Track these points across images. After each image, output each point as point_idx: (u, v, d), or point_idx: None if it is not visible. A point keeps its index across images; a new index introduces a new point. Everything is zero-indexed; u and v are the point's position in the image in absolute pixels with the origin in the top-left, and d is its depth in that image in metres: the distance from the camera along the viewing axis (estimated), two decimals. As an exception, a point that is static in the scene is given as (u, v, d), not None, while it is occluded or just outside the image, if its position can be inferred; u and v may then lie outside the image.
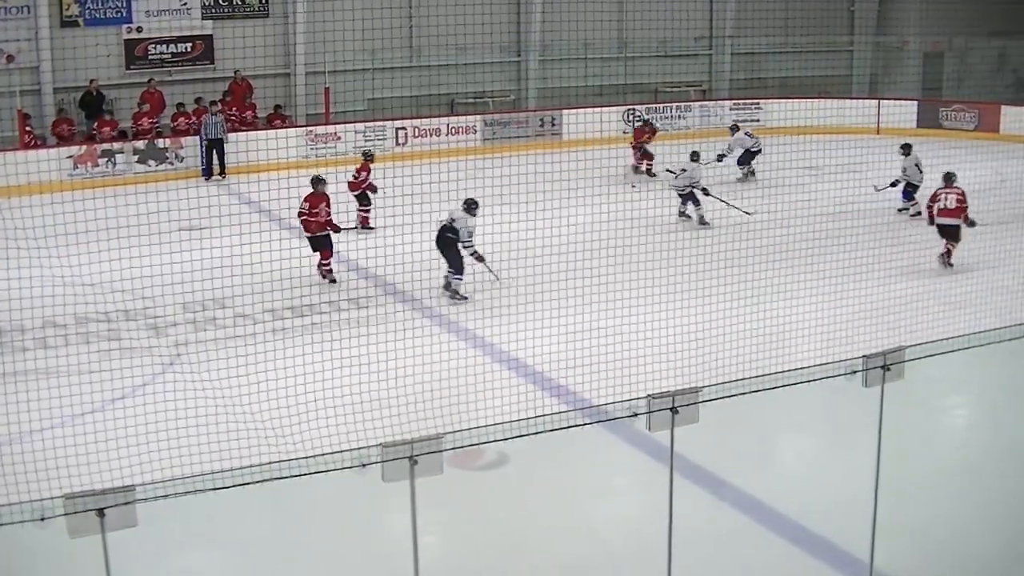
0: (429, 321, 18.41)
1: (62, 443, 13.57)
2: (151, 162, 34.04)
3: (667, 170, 28.27)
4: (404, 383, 14.80)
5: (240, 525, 11.62)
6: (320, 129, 36.20)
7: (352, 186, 26.10)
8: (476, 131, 37.23)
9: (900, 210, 27.44)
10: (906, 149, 28.10)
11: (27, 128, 34.00)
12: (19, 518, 8.69)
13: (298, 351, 16.20)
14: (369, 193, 26.01)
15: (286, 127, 36.30)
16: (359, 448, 9.32)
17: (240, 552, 11.71)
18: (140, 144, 34.27)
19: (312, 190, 21.96)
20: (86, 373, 15.91)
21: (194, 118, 35.25)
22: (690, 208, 26.34)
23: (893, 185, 27.51)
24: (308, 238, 21.78)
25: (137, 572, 10.09)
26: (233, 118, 35.96)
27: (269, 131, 35.22)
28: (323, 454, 10.69)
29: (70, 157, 33.05)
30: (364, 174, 26.18)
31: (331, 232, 21.72)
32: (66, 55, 34.57)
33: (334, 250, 21.93)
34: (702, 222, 25.86)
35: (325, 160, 33.44)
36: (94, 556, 8.62)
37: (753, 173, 31.26)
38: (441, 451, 8.99)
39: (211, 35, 37.48)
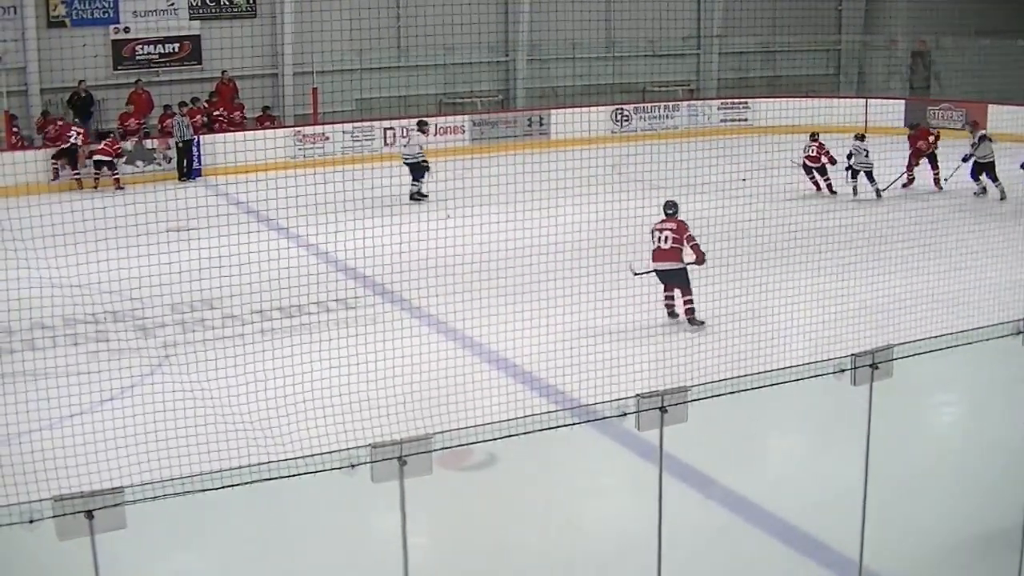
0: (418, 321, 18.40)
1: (51, 445, 13.56)
2: (139, 163, 34.03)
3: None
4: (393, 383, 14.79)
5: (229, 527, 11.60)
6: (308, 129, 36.24)
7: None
8: (464, 131, 37.28)
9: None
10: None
11: (14, 129, 33.95)
12: (8, 520, 8.68)
13: (287, 352, 16.22)
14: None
15: (274, 127, 36.27)
16: (348, 449, 9.30)
17: (229, 554, 11.70)
18: (128, 145, 34.24)
19: None
20: (74, 375, 15.88)
21: (167, 122, 35.21)
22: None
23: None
24: None
25: (126, 574, 10.07)
26: (220, 118, 35.95)
27: (257, 131, 35.22)
28: (312, 455, 10.68)
29: (55, 160, 32.97)
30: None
31: None
32: (53, 56, 34.53)
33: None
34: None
35: (313, 160, 33.47)
36: (83, 558, 8.60)
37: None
38: (430, 451, 8.99)
39: (199, 35, 37.51)
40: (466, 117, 37.94)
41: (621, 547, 11.55)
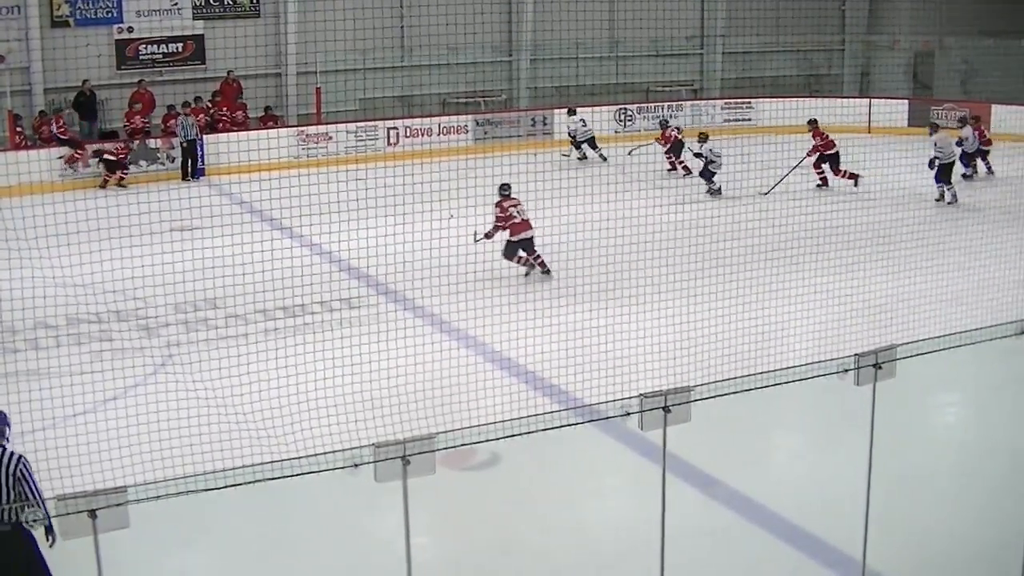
0: (421, 321, 18.39)
1: (54, 444, 13.55)
2: (142, 162, 34.01)
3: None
4: (396, 383, 14.80)
5: (233, 526, 11.63)
6: (312, 129, 36.19)
7: None
8: (468, 131, 37.22)
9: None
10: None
11: (17, 129, 33.97)
12: (13, 519, 8.70)
13: (290, 351, 16.18)
14: None
15: (278, 127, 36.27)
16: (352, 448, 9.30)
17: (232, 553, 11.72)
18: (132, 144, 34.22)
19: None
20: (78, 374, 15.87)
21: (171, 122, 35.22)
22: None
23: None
24: None
25: (129, 573, 10.09)
26: (224, 118, 35.96)
27: (261, 131, 35.20)
28: (316, 454, 10.66)
29: (61, 157, 33.00)
30: None
31: None
32: (57, 55, 34.53)
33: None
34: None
35: (317, 160, 33.43)
36: (86, 557, 8.61)
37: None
38: (434, 451, 8.99)
39: (202, 35, 37.47)
40: (469, 117, 37.90)
41: (624, 546, 11.56)
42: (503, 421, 9.65)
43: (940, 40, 42.95)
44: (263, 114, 36.94)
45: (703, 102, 41.99)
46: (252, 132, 35.04)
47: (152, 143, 34.58)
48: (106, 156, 31.81)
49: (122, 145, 32.30)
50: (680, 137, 33.61)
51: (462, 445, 10.37)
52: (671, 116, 38.73)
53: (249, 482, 9.49)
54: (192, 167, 34.17)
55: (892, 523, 11.05)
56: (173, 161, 34.39)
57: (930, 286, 18.63)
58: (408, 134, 35.95)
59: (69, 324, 18.97)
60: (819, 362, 9.98)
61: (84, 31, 36.03)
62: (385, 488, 9.15)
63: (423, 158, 30.44)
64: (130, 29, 36.96)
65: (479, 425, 10.53)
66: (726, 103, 41.40)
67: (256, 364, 15.25)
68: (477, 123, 37.37)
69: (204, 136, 34.47)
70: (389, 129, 36.38)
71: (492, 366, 16.52)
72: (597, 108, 38.15)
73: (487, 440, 10.05)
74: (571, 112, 36.21)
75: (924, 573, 11.55)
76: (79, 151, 33.20)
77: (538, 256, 21.60)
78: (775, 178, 28.25)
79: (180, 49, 37.47)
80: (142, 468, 12.29)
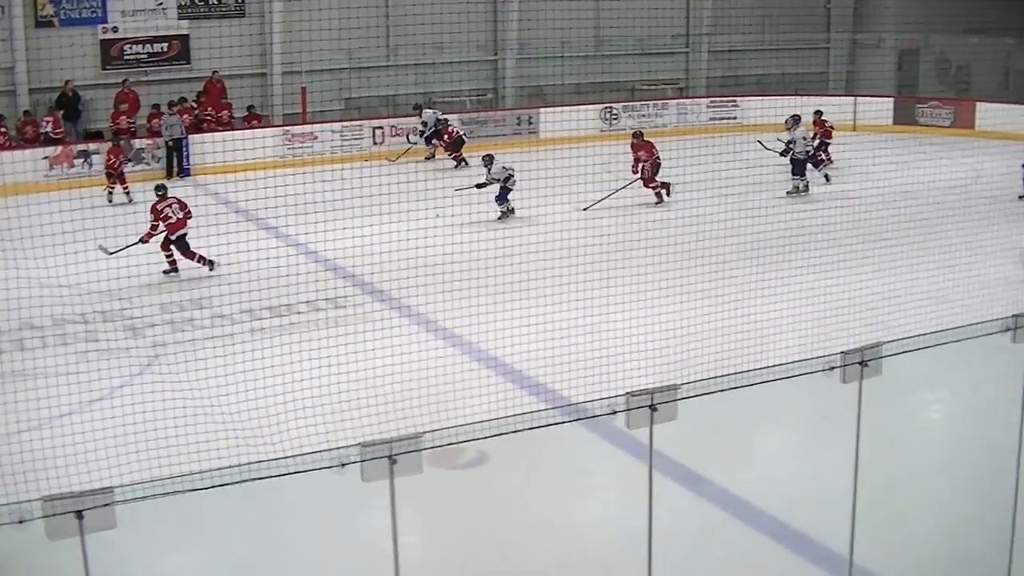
0: (407, 320, 18.40)
1: (40, 445, 13.55)
2: (128, 163, 33.94)
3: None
4: (383, 382, 14.79)
5: (220, 526, 11.61)
6: (297, 129, 36.17)
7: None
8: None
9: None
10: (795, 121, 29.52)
11: (1, 129, 33.91)
12: (-1, 521, 8.68)
13: (276, 351, 16.22)
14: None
15: (263, 127, 36.23)
16: (338, 448, 9.29)
17: (219, 553, 11.71)
18: (120, 144, 34.17)
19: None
20: (64, 375, 15.87)
21: (155, 121, 35.16)
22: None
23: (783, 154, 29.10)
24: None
25: (117, 574, 10.08)
26: (208, 117, 35.93)
27: (246, 131, 35.18)
28: (302, 454, 10.66)
29: (46, 158, 32.96)
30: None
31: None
32: (41, 55, 34.49)
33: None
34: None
35: (302, 159, 33.41)
36: (73, 558, 8.59)
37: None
38: (421, 450, 8.99)
39: (187, 35, 37.41)
40: (455, 116, 37.90)
41: (612, 545, 11.57)
42: (490, 420, 9.67)
43: (926, 38, 43.05)
44: (247, 114, 36.90)
45: (688, 101, 42.01)
46: (237, 132, 35.01)
47: (137, 143, 34.51)
48: (108, 170, 31.34)
49: (111, 148, 31.84)
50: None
51: (449, 444, 10.36)
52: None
53: (236, 482, 9.48)
54: (178, 166, 34.16)
55: (879, 520, 11.06)
56: (159, 161, 34.38)
57: (915, 283, 18.68)
58: (394, 133, 35.90)
59: (55, 325, 18.96)
60: (805, 359, 9.99)
61: (69, 31, 35.96)
62: (372, 488, 9.15)
63: (408, 157, 30.47)
64: (115, 29, 36.90)
65: (466, 424, 10.52)
66: (711, 102, 41.44)
67: (242, 364, 15.24)
68: (462, 122, 37.33)
69: (189, 136, 34.45)
70: (375, 128, 36.34)
71: (479, 365, 16.55)
72: (583, 107, 38.16)
73: (474, 439, 10.05)
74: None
75: (912, 570, 11.58)
76: (68, 150, 33.19)
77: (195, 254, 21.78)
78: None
79: (165, 49, 37.41)
80: (129, 469, 12.28)
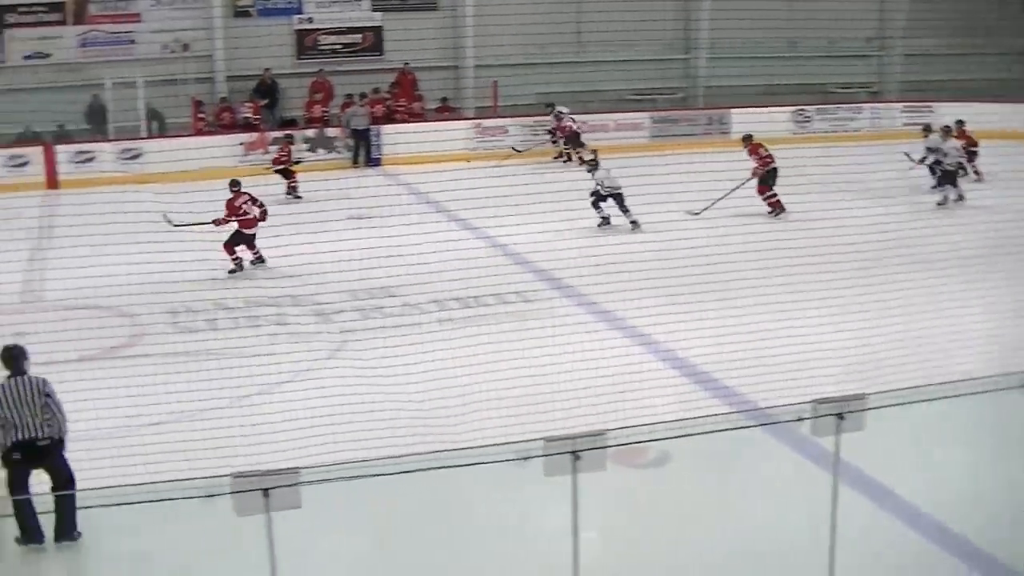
0: (595, 316, 18.31)
1: (228, 423, 13.82)
2: (320, 151, 34.54)
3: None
4: (567, 378, 14.73)
5: (400, 513, 11.72)
6: (488, 122, 36.34)
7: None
8: (644, 128, 37.07)
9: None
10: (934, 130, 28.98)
11: (200, 115, 34.72)
12: (187, 495, 8.88)
13: (463, 342, 16.23)
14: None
15: (454, 119, 36.49)
16: (522, 442, 9.34)
17: (398, 539, 11.80)
18: (310, 133, 34.79)
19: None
20: (254, 356, 16.16)
21: (347, 110, 35.64)
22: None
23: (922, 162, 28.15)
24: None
25: (299, 553, 10.22)
26: (401, 108, 36.30)
27: (437, 123, 35.45)
28: (485, 446, 10.75)
29: (241, 144, 33.65)
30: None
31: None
32: (240, 44, 35.26)
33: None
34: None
35: (491, 152, 33.58)
36: (258, 535, 8.77)
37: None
38: (605, 447, 8.99)
39: (380, 26, 37.93)
40: (646, 114, 37.78)
41: (791, 553, 11.43)
42: (675, 420, 9.64)
43: None
44: (439, 105, 37.19)
45: (882, 105, 41.31)
46: (429, 123, 35.30)
47: (330, 132, 35.05)
48: (276, 168, 31.51)
49: (283, 144, 31.86)
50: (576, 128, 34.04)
51: (633, 443, 10.37)
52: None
53: (418, 470, 9.58)
54: (364, 156, 34.57)
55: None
56: (351, 150, 34.88)
57: None
58: (583, 129, 35.90)
59: (247, 307, 19.32)
60: (996, 376, 9.81)
61: (265, 21, 36.77)
62: (554, 483, 9.18)
63: (598, 154, 30.33)
64: (310, 20, 37.62)
65: (651, 424, 10.50)
66: (906, 106, 40.63)
67: (429, 354, 15.35)
68: (653, 120, 37.20)
69: (381, 127, 34.85)
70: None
71: (665, 365, 16.43)
72: (774, 109, 37.75)
73: (658, 439, 10.04)
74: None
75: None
76: (264, 137, 33.86)
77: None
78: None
79: (359, 40, 37.96)
80: (315, 451, 12.46)
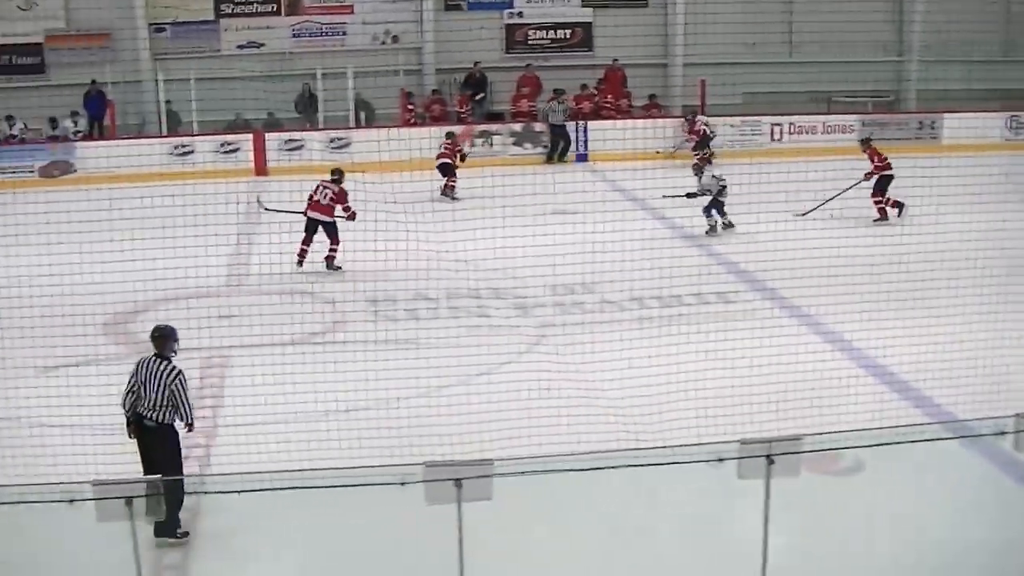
0: (796, 320, 18.09)
1: (425, 412, 13.97)
2: (526, 145, 34.73)
3: None
4: (764, 380, 14.60)
5: (590, 508, 11.73)
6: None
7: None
8: (853, 131, 36.49)
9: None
10: None
11: (408, 106, 35.16)
12: (381, 481, 8.99)
13: (661, 341, 16.16)
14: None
15: (661, 117, 36.38)
16: (715, 443, 9.29)
17: (588, 535, 11.81)
18: (517, 127, 34.98)
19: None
20: (453, 347, 16.30)
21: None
22: None
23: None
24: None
25: (487, 544, 10.28)
26: (608, 104, 36.30)
27: (644, 120, 35.40)
28: (679, 446, 10.71)
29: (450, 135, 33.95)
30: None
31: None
32: (451, 37, 35.64)
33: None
34: None
35: (698, 153, 33.37)
36: (448, 524, 8.85)
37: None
38: (799, 452, 8.90)
39: (590, 22, 37.99)
40: (855, 117, 37.23)
41: (982, 570, 11.18)
42: (872, 429, 9.49)
43: None
44: (647, 102, 37.11)
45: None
46: (635, 120, 35.23)
47: (536, 127, 35.20)
48: (438, 163, 31.18)
49: (451, 141, 31.11)
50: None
51: (828, 449, 10.23)
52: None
53: (611, 467, 9.59)
54: (563, 151, 34.62)
55: None
56: (545, 146, 35.00)
57: None
58: (792, 131, 35.50)
59: (448, 298, 19.51)
60: None
61: (476, 14, 37.10)
62: (746, 485, 9.11)
63: (806, 156, 30.01)
64: (520, 14, 37.85)
65: (847, 431, 10.36)
66: None
67: (627, 351, 15.31)
68: (863, 123, 36.63)
69: (588, 122, 34.89)
70: (773, 125, 36.01)
71: (864, 371, 16.17)
72: (987, 114, 36.87)
73: (854, 447, 9.88)
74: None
75: None
76: (470, 130, 34.20)
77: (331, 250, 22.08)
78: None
79: (567, 35, 38.09)
80: (508, 444, 12.53)
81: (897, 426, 9.57)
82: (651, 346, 15.67)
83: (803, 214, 24.39)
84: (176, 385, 11.90)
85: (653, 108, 37.10)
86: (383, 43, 36.95)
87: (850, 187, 25.64)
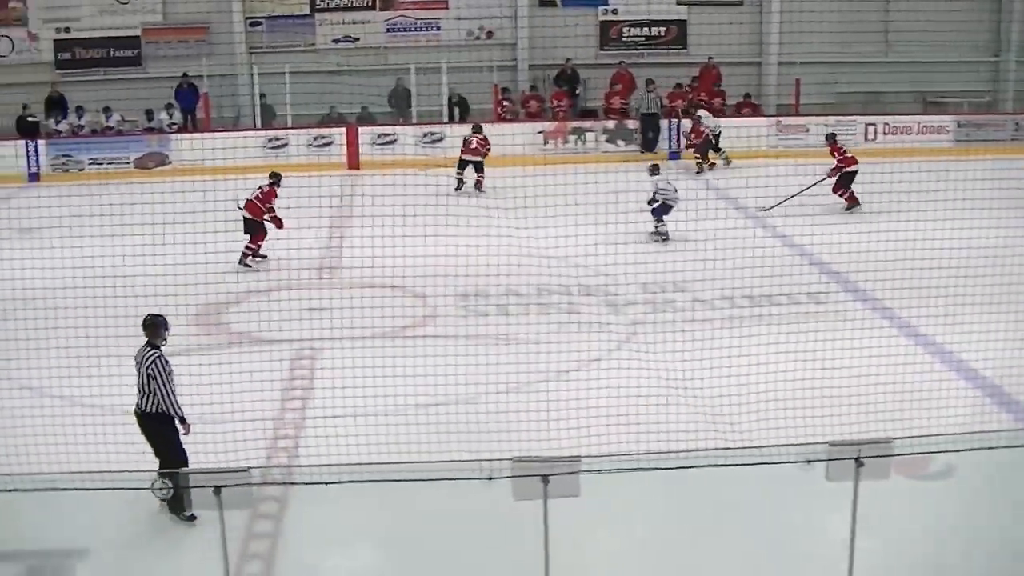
0: (887, 322, 17.94)
1: (514, 408, 13.99)
2: (619, 142, 34.67)
3: None
4: (854, 382, 14.49)
5: (676, 508, 11.72)
6: (788, 120, 35.90)
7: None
8: (948, 132, 36.11)
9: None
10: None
11: (504, 102, 35.23)
12: (467, 475, 9.03)
13: (752, 340, 16.10)
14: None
15: (755, 116, 36.22)
16: (804, 444, 9.25)
17: (674, 534, 11.80)
18: (610, 124, 34.94)
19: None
20: (543, 343, 16.33)
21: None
22: None
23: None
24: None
25: (573, 541, 10.31)
26: (702, 102, 36.16)
27: (737, 119, 35.26)
28: (767, 446, 10.66)
29: (541, 132, 34.04)
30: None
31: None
32: (546, 33, 35.68)
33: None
34: None
35: (791, 151, 33.15)
36: (534, 520, 8.87)
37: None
38: (890, 456, 8.85)
39: (685, 20, 37.86)
40: (950, 118, 36.83)
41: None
42: (963, 433, 9.40)
43: None
44: (741, 100, 36.95)
45: None
46: (728, 119, 35.07)
47: (630, 124, 35.15)
48: (464, 156, 30.91)
49: (483, 139, 30.18)
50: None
51: (918, 453, 10.15)
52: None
53: (699, 466, 9.57)
54: (653, 141, 34.54)
55: None
56: (636, 140, 34.93)
57: None
58: (886, 131, 35.18)
59: (539, 294, 19.54)
60: None
61: (571, 11, 37.13)
62: (834, 487, 9.07)
63: (901, 156, 29.74)
64: (615, 11, 37.81)
65: (937, 435, 10.28)
66: None
67: (718, 350, 15.27)
68: (959, 124, 36.23)
69: (682, 120, 34.79)
70: (867, 125, 35.70)
71: (956, 375, 16.01)
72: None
73: (945, 451, 9.80)
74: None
75: None
76: (563, 126, 34.23)
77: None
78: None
79: (662, 33, 38.01)
80: (596, 441, 12.53)
81: (988, 431, 9.48)
82: (741, 345, 15.62)
83: (766, 209, 24.49)
84: (152, 368, 11.98)
85: (747, 107, 36.93)
86: (477, 39, 37.05)
87: (815, 183, 25.82)
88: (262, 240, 22.69)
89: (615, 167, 28.30)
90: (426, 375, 14.67)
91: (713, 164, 32.28)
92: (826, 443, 8.92)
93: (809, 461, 8.86)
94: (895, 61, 37.54)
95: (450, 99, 35.40)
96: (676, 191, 23.75)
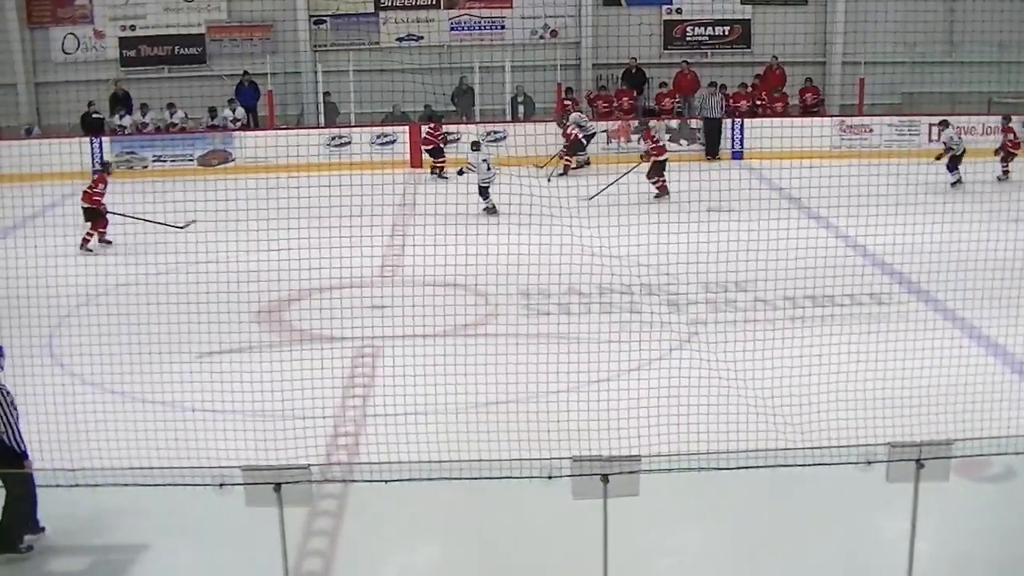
0: (949, 324, 17.83)
1: (575, 407, 14.01)
2: (683, 141, 34.63)
3: None
4: (916, 383, 14.42)
5: (736, 507, 11.72)
6: (852, 120, 35.75)
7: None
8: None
9: None
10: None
11: (567, 100, 35.27)
12: (527, 474, 9.08)
13: (814, 341, 16.04)
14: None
15: (819, 116, 36.08)
16: (864, 445, 9.24)
17: (733, 534, 11.80)
18: (673, 123, 34.89)
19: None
20: (604, 342, 16.35)
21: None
22: None
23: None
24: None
25: (632, 540, 10.32)
26: (763, 103, 36.07)
27: (801, 119, 35.14)
28: (828, 447, 10.65)
29: (605, 131, 34.04)
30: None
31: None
32: (610, 32, 35.68)
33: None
34: None
35: (856, 152, 33.03)
36: (594, 519, 8.89)
37: None
38: (950, 457, 8.82)
39: (749, 20, 37.82)
40: (1017, 118, 36.50)
41: None
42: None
43: None
44: (803, 87, 36.80)
45: None
46: (792, 119, 34.96)
47: (692, 123, 35.13)
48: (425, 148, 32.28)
49: (435, 125, 32.52)
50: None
51: (979, 455, 10.11)
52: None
53: (760, 466, 9.59)
54: (715, 144, 34.52)
55: None
56: (700, 140, 34.92)
57: None
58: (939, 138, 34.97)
59: (601, 293, 19.56)
60: None
61: (635, 10, 37.11)
62: (894, 489, 9.05)
63: (966, 157, 29.56)
64: (679, 11, 37.85)
65: (998, 437, 10.22)
66: None
67: (779, 350, 15.23)
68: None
69: (745, 119, 34.73)
70: (931, 125, 35.44)
71: (1018, 377, 15.91)
72: None
73: (1006, 453, 9.75)
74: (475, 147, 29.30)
75: None
76: (626, 126, 34.31)
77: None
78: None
79: (726, 32, 37.97)
80: (657, 440, 12.54)
81: (1051, 434, 9.44)
82: (802, 346, 15.56)
83: (589, 198, 24.30)
84: None
85: (808, 92, 36.76)
86: (541, 38, 37.17)
87: (628, 171, 26.95)
88: (103, 227, 24.00)
89: (678, 167, 28.29)
90: (487, 373, 14.68)
91: (567, 165, 31.73)
92: (886, 444, 8.90)
93: (869, 462, 8.85)
94: (960, 61, 37.26)
95: (514, 97, 35.47)
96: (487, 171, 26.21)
